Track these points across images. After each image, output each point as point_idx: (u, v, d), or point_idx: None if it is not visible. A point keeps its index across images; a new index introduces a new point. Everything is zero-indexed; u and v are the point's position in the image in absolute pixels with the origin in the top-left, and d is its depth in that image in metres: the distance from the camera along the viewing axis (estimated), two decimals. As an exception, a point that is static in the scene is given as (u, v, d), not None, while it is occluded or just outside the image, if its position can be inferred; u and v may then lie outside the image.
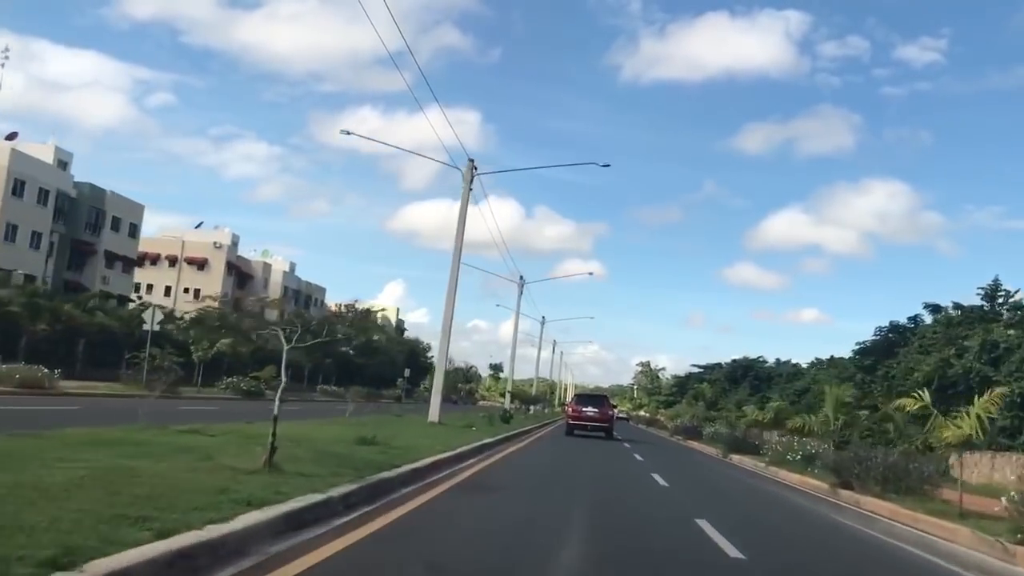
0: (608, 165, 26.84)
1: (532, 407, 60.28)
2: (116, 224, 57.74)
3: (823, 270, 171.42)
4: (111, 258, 57.57)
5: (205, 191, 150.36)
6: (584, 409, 34.66)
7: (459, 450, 15.10)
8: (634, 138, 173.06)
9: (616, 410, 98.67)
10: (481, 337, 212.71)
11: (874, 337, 39.24)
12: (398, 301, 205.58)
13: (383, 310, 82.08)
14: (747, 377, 67.07)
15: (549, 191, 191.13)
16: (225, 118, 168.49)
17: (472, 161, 23.20)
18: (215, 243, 76.52)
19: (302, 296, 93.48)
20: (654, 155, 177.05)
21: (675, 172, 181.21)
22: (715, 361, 77.79)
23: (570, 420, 34.71)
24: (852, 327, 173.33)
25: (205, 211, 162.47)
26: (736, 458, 27.22)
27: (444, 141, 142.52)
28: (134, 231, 60.36)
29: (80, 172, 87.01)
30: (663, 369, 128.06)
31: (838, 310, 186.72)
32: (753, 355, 73.04)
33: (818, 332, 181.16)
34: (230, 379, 35.60)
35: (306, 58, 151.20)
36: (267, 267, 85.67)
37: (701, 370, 78.61)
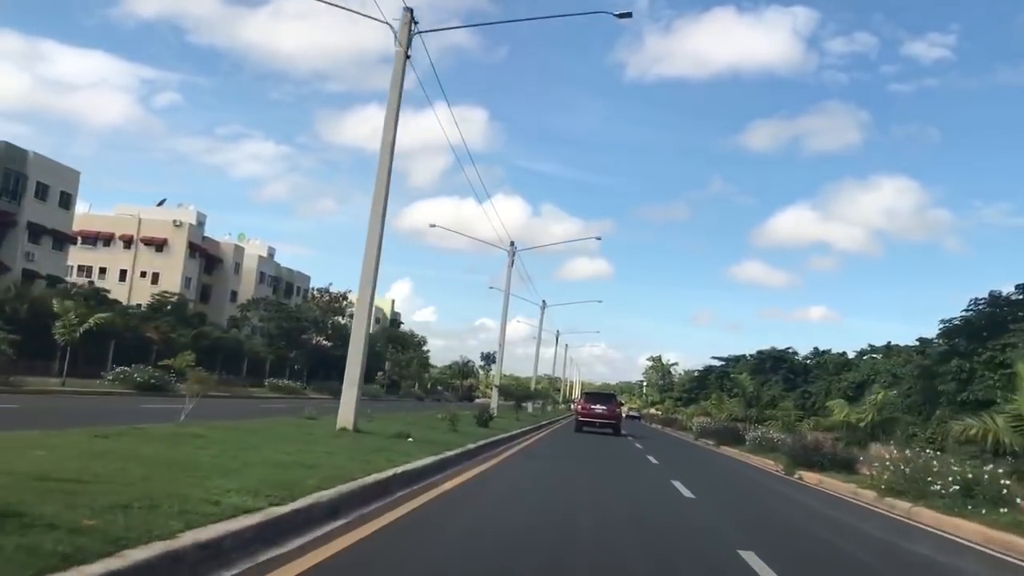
0: (629, 14, 18.18)
1: (531, 404, 51.61)
2: (42, 192, 49.33)
3: (831, 267, 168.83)
4: (37, 232, 49.20)
5: (212, 190, 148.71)
6: (593, 407, 34.81)
7: (292, 507, 6.45)
8: (640, 136, 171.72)
9: (627, 409, 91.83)
10: (488, 336, 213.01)
11: (965, 313, 30.45)
12: (405, 300, 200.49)
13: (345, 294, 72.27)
14: (780, 370, 58.39)
15: (556, 189, 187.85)
16: (232, 117, 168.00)
17: (410, 12, 14.52)
18: (175, 221, 68.00)
19: (282, 283, 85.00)
20: (660, 153, 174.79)
21: (681, 170, 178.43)
22: (737, 353, 69.09)
23: (580, 417, 34.77)
24: (860, 324, 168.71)
25: (209, 210, 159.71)
26: (811, 478, 18.63)
27: (451, 140, 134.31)
28: (67, 201, 51.87)
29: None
30: (675, 364, 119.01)
31: (846, 307, 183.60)
32: (778, 346, 64.53)
33: (826, 330, 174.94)
34: (122, 368, 27.10)
35: (312, 57, 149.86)
36: (239, 250, 77.13)
37: (722, 363, 69.86)
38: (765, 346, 61.19)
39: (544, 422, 36.88)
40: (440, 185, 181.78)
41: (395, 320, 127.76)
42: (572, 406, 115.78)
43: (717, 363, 70.14)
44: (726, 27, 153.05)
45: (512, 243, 33.91)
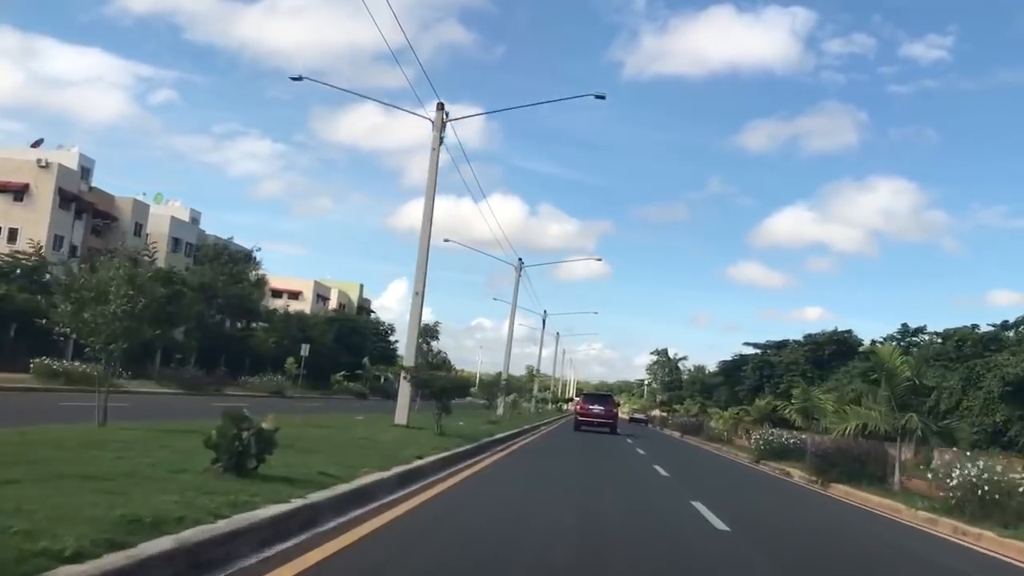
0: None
1: (502, 402, 35.82)
2: None
3: (828, 268, 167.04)
4: None
5: (209, 189, 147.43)
6: (591, 407, 35.76)
7: None
8: (638, 135, 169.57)
9: (631, 411, 78.53)
10: (485, 335, 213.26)
11: None
12: (402, 299, 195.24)
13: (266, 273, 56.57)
14: (846, 358, 42.67)
15: (554, 189, 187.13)
16: (228, 116, 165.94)
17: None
18: (39, 161, 51.82)
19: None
20: (658, 153, 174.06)
21: (679, 170, 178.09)
22: (779, 338, 53.06)
23: (579, 416, 36.23)
24: (855, 324, 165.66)
25: (208, 209, 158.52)
26: None
27: (448, 139, 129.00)
28: None
29: None
30: (684, 358, 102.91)
31: (842, 308, 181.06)
32: (821, 329, 48.74)
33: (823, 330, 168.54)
34: None
35: (308, 54, 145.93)
36: (140, 208, 60.63)
37: (758, 351, 53.81)
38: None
39: (500, 435, 20.88)
40: (437, 184, 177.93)
41: (363, 307, 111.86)
42: (564, 407, 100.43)
43: (751, 351, 54.09)
44: (724, 26, 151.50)
45: (441, 105, 18.03)
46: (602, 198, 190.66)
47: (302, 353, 40.79)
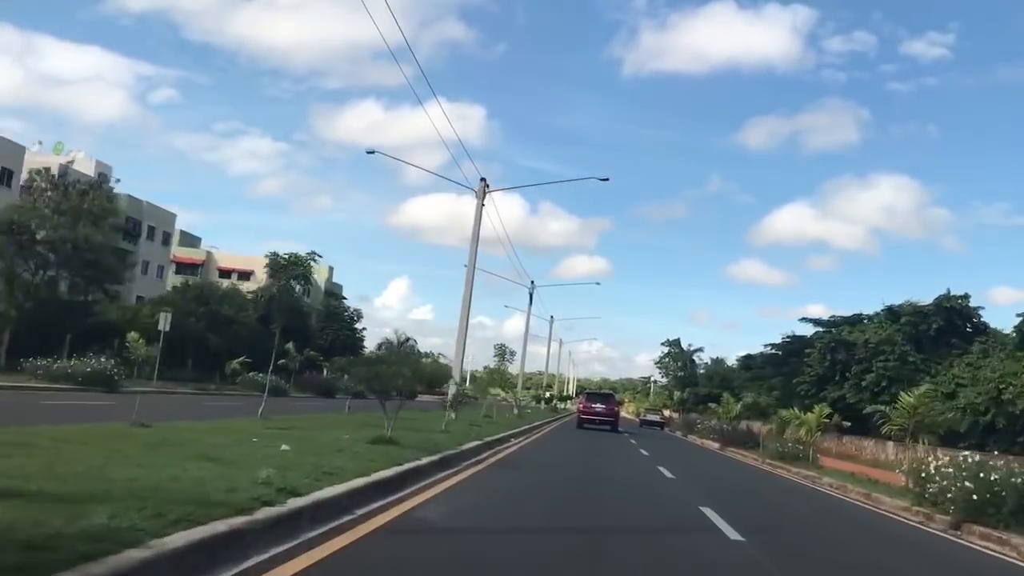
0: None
1: (451, 400, 22.11)
2: None
3: (829, 266, 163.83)
4: None
5: (208, 187, 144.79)
6: (593, 405, 37.68)
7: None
8: (638, 133, 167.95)
9: (644, 412, 73.14)
10: (485, 334, 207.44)
11: None
12: (403, 298, 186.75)
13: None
14: (968, 333, 28.97)
15: (554, 187, 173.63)
16: (229, 114, 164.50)
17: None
18: None
19: (118, 218, 54.86)
20: (658, 150, 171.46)
21: (680, 167, 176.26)
22: (854, 311, 39.15)
23: (581, 415, 38.29)
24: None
25: (204, 207, 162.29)
26: None
27: (444, 137, 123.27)
28: None
29: None
30: (700, 350, 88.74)
31: (844, 306, 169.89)
32: (915, 299, 34.97)
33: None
34: None
35: (308, 53, 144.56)
36: (8, 148, 46.38)
37: (822, 329, 39.82)
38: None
39: (305, 502, 7.13)
40: (436, 182, 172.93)
41: (335, 293, 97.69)
42: (561, 406, 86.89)
43: (814, 330, 40.06)
44: (724, 23, 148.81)
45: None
46: (602, 196, 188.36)
47: (160, 326, 26.53)
